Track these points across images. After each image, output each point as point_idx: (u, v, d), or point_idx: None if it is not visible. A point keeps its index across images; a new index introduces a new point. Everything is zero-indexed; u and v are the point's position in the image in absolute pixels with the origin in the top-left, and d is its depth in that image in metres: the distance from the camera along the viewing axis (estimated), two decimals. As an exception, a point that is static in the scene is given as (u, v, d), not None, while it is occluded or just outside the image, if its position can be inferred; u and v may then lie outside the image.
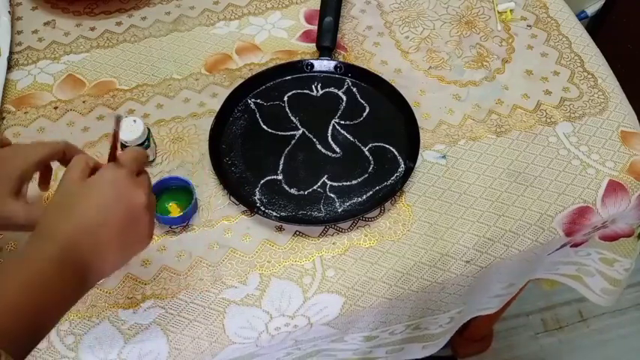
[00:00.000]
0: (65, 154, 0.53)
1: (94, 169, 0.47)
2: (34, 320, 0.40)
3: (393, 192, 0.66)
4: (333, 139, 0.71)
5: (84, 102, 0.75)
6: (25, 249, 0.43)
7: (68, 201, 0.45)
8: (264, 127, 0.72)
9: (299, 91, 0.75)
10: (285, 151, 0.70)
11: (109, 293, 0.60)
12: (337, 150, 0.70)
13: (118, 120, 0.46)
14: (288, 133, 0.72)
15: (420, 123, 0.70)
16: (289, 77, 0.77)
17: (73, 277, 0.43)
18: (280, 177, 0.68)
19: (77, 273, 0.43)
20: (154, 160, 0.69)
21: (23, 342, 0.39)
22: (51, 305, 0.41)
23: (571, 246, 0.74)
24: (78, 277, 0.43)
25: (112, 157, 0.47)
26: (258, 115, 0.73)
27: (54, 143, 0.53)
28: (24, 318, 0.39)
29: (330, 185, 0.67)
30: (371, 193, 0.67)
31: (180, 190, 0.66)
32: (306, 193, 0.67)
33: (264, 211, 0.65)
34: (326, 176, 0.68)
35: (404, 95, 0.73)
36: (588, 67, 0.78)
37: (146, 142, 0.66)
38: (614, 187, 0.67)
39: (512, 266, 0.68)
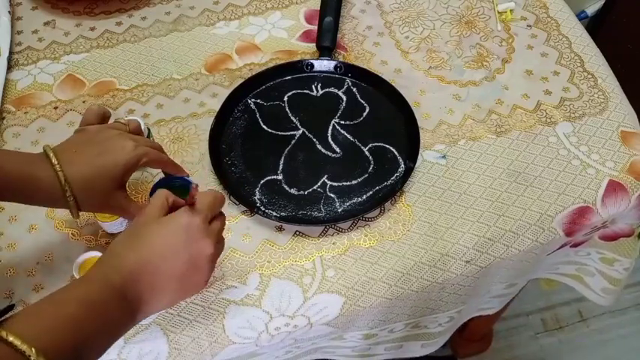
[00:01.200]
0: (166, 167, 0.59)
1: (173, 206, 0.49)
2: (84, 341, 0.40)
3: (393, 192, 0.66)
4: (333, 139, 0.71)
5: (84, 102, 0.75)
6: (90, 272, 0.44)
7: (140, 234, 0.46)
8: (264, 127, 0.72)
9: (299, 91, 0.75)
10: (285, 151, 0.70)
11: (109, 293, 0.60)
12: (337, 150, 0.70)
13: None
14: (288, 133, 0.72)
15: (420, 123, 0.70)
16: (289, 77, 0.77)
17: (127, 309, 0.44)
18: (280, 177, 0.68)
19: (131, 306, 0.44)
20: (154, 160, 0.69)
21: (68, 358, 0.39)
22: (102, 330, 0.42)
23: (571, 246, 0.74)
24: (131, 310, 0.44)
25: (191, 199, 0.49)
26: (258, 115, 0.73)
27: (156, 145, 0.57)
28: (76, 335, 0.40)
29: (330, 185, 0.67)
30: (371, 193, 0.67)
31: (181, 189, 0.66)
32: (306, 193, 0.67)
33: (264, 211, 0.65)
34: (326, 176, 0.68)
35: (404, 95, 0.73)
36: (588, 67, 0.78)
37: (146, 142, 0.66)
38: (614, 187, 0.67)
39: (513, 266, 0.68)
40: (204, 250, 0.47)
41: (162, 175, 0.68)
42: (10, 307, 0.57)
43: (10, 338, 0.36)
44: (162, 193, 0.49)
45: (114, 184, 0.52)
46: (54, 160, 0.50)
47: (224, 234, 0.63)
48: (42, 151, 0.51)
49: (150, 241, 0.46)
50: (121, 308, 0.43)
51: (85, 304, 0.41)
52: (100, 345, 0.42)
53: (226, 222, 0.64)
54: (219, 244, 0.50)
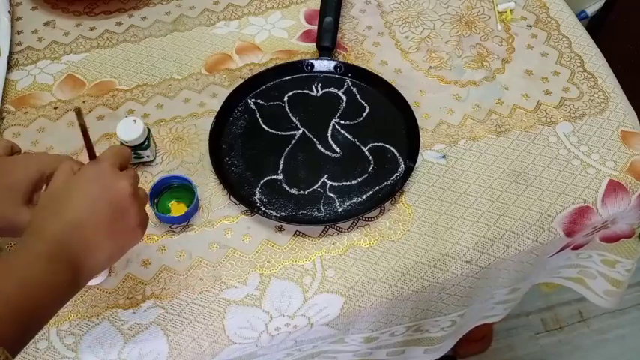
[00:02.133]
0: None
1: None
2: (27, 316, 0.41)
3: (393, 192, 0.66)
4: (333, 139, 0.71)
5: (84, 102, 0.75)
6: (16, 248, 0.44)
7: (55, 200, 0.45)
8: (264, 127, 0.72)
9: (299, 91, 0.75)
10: (285, 151, 0.70)
11: (109, 293, 0.60)
12: (337, 150, 0.70)
13: (78, 113, 0.46)
14: (288, 133, 0.72)
15: (420, 123, 0.70)
16: (289, 77, 0.76)
17: (64, 273, 0.43)
18: (280, 177, 0.68)
19: (68, 268, 0.43)
20: (154, 160, 0.69)
21: (17, 338, 0.40)
22: (44, 301, 0.42)
23: (572, 248, 0.74)
24: (69, 273, 0.43)
25: (92, 155, 0.48)
26: (258, 115, 0.73)
27: (63, 157, 0.55)
28: (17, 314, 0.40)
29: (330, 185, 0.67)
30: (371, 193, 0.67)
31: (181, 189, 0.66)
32: (306, 193, 0.67)
33: (264, 211, 0.65)
34: (326, 176, 0.68)
35: (404, 95, 0.73)
36: (588, 67, 0.78)
37: (146, 142, 0.66)
38: (614, 187, 0.67)
39: (513, 267, 0.68)
40: (122, 189, 0.46)
41: (161, 175, 0.68)
42: None
43: None
44: (67, 164, 0.48)
45: (21, 201, 0.50)
46: None
47: (224, 234, 0.64)
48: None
49: (65, 201, 0.45)
50: (57, 275, 0.42)
51: (21, 285, 0.40)
52: (47, 311, 0.42)
53: (226, 222, 0.65)
54: (139, 190, 0.49)
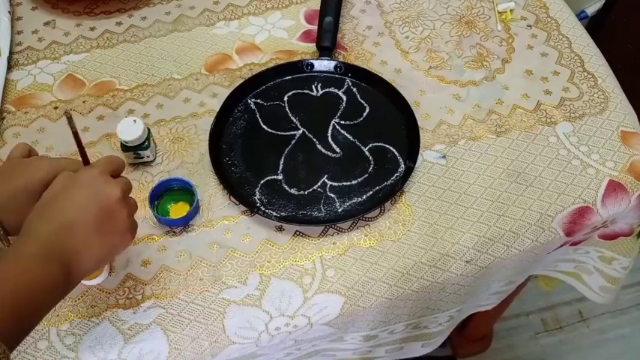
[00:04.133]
0: None
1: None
2: (22, 313, 0.42)
3: (393, 192, 0.66)
4: (333, 139, 0.71)
5: (84, 102, 0.75)
6: (11, 249, 0.46)
7: (47, 204, 0.48)
8: (264, 127, 0.72)
9: (299, 91, 0.75)
10: (285, 151, 0.70)
11: (109, 293, 0.60)
12: (337, 150, 0.70)
13: (69, 118, 0.48)
14: (288, 133, 0.72)
15: (420, 123, 0.70)
16: (289, 77, 0.77)
17: (56, 272, 0.45)
18: (280, 177, 0.68)
19: (59, 267, 0.45)
20: (154, 160, 0.69)
21: (13, 335, 0.42)
22: (37, 299, 0.44)
23: (570, 244, 0.74)
24: (61, 272, 0.45)
25: (85, 160, 0.50)
26: (258, 115, 0.73)
27: (75, 161, 0.56)
28: (12, 312, 0.41)
29: (330, 185, 0.67)
30: (371, 193, 0.67)
31: (182, 191, 0.66)
32: (306, 193, 0.67)
33: (264, 211, 0.65)
34: (326, 176, 0.68)
35: (404, 95, 0.73)
36: (588, 67, 0.78)
37: (146, 142, 0.66)
38: (614, 187, 0.67)
39: (513, 265, 0.68)
40: (111, 194, 0.48)
41: (161, 176, 0.68)
42: None
43: None
44: (65, 173, 0.49)
45: (34, 201, 0.51)
46: None
47: (224, 234, 0.64)
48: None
49: (58, 203, 0.47)
50: (50, 275, 0.44)
51: (16, 284, 0.42)
52: (40, 309, 0.44)
53: (226, 222, 0.65)
54: (129, 198, 0.51)
